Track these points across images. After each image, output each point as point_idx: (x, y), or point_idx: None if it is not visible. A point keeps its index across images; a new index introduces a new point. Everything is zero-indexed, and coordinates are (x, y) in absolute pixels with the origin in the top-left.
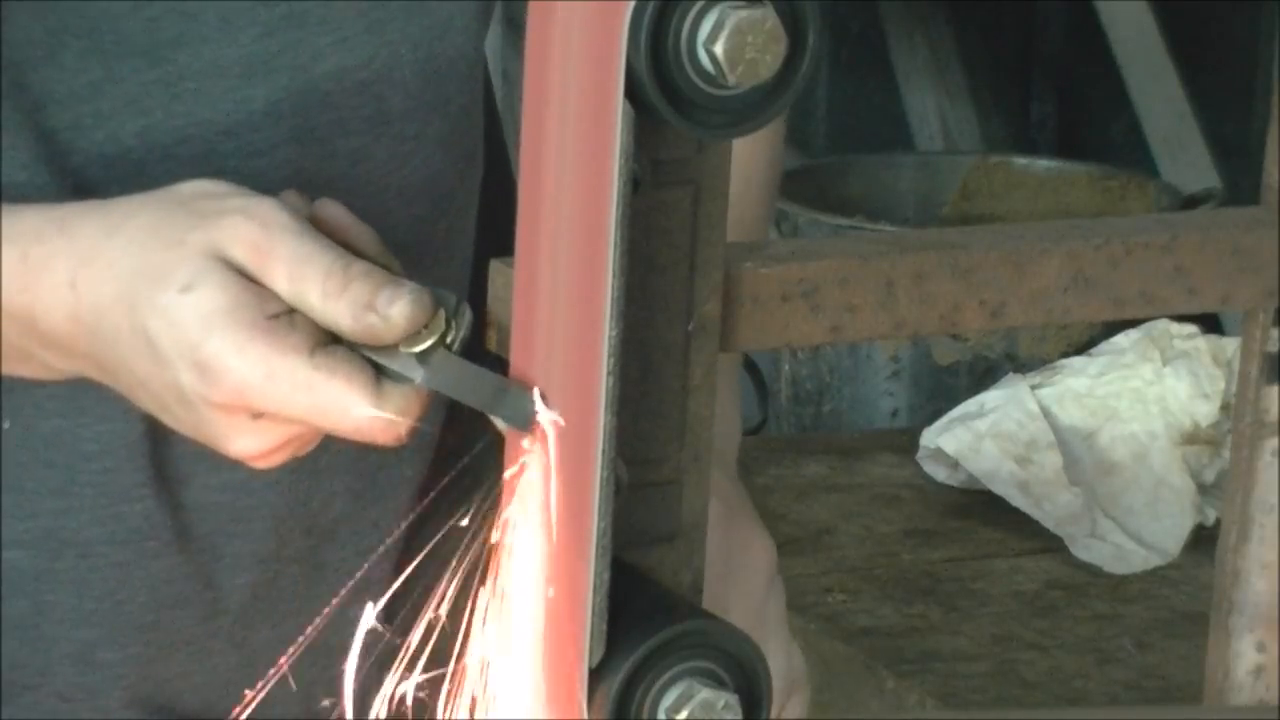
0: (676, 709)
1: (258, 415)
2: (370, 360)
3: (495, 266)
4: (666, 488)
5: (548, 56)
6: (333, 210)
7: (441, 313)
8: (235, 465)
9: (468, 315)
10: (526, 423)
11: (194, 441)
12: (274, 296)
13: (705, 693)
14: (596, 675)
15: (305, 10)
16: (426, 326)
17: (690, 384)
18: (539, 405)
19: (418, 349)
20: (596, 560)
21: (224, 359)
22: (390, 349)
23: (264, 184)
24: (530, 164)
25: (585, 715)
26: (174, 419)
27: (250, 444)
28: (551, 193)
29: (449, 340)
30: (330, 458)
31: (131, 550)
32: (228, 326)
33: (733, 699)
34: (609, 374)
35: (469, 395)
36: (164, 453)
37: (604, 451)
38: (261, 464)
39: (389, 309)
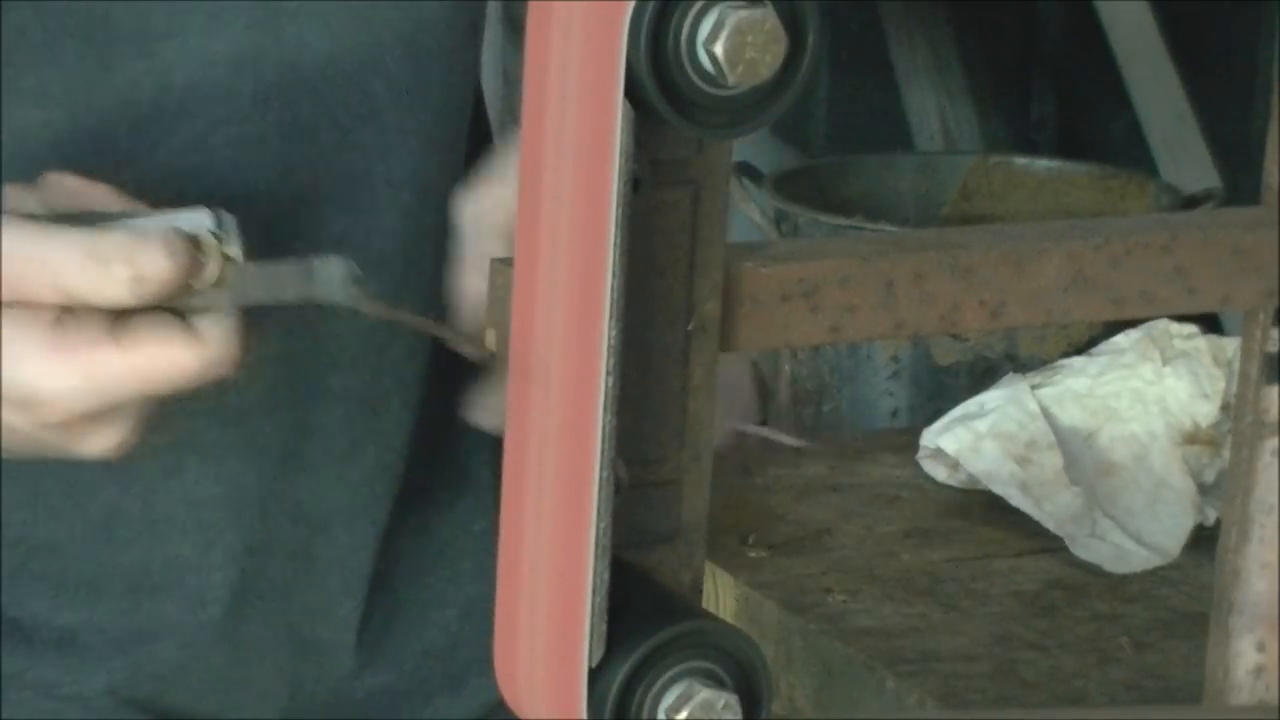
0: (676, 709)
1: (93, 417)
2: (175, 310)
3: (495, 266)
4: (666, 488)
5: (548, 56)
6: (59, 181)
7: (204, 235)
8: (206, 453)
9: (229, 219)
10: (346, 292)
11: (156, 430)
12: (45, 307)
13: (705, 693)
14: (596, 675)
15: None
16: (200, 252)
17: (690, 384)
18: (349, 269)
19: (208, 280)
20: (596, 560)
21: (36, 384)
22: (184, 294)
23: (254, 176)
24: (530, 164)
25: (585, 715)
26: (38, 451)
27: (102, 442)
28: (551, 193)
29: (229, 254)
30: (318, 444)
31: (101, 540)
32: (20, 355)
33: (733, 699)
34: (609, 374)
35: (281, 293)
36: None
37: (604, 451)
38: (122, 452)
39: (150, 269)
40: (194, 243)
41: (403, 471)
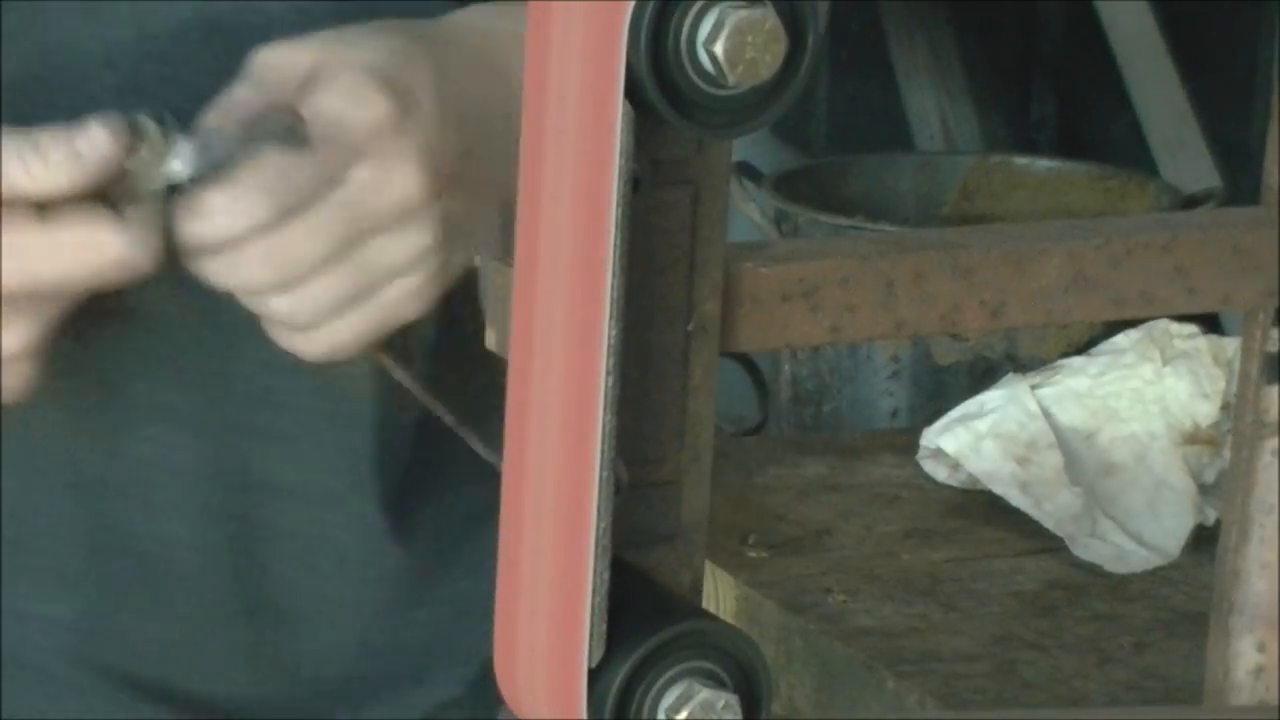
0: (676, 709)
1: (12, 301)
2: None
3: (495, 266)
4: (666, 488)
5: (548, 56)
6: None
7: (142, 119)
8: (160, 418)
9: (168, 118)
10: (299, 140)
11: (113, 391)
12: None
13: (705, 693)
14: (596, 675)
15: None
16: (137, 135)
17: (690, 384)
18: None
19: (144, 161)
20: (596, 560)
21: None
22: (124, 186)
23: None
24: (530, 164)
25: (585, 715)
26: None
27: (15, 338)
28: (551, 193)
29: (167, 137)
30: (289, 419)
31: (58, 502)
32: None
33: (733, 699)
34: (609, 374)
35: (224, 154)
36: (86, 403)
37: (604, 451)
38: (19, 367)
39: (87, 148)
40: (131, 125)
41: (400, 460)
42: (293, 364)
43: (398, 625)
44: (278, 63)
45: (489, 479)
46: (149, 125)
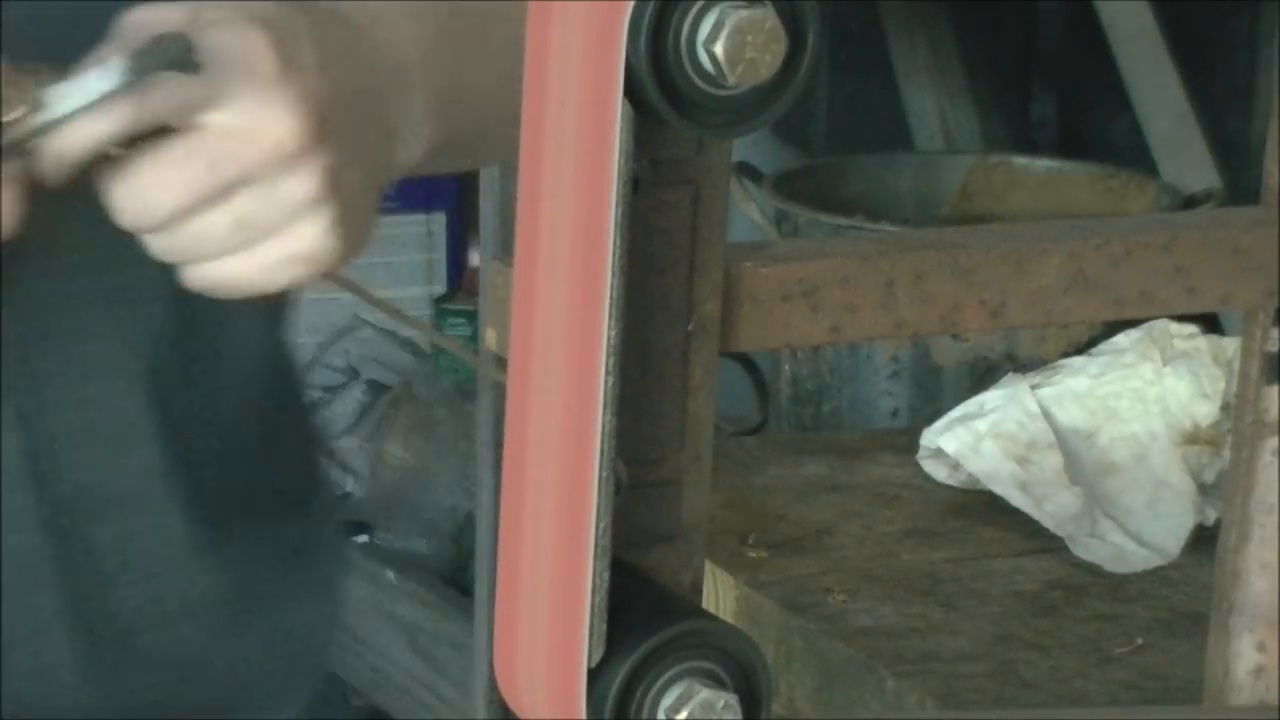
0: (676, 709)
1: None
2: None
3: (494, 266)
4: (666, 488)
5: (548, 56)
6: None
7: (19, 77)
8: None
9: (42, 68)
10: (190, 63)
11: None
12: None
13: (705, 693)
14: (596, 675)
15: None
16: (20, 101)
17: (690, 384)
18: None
19: (15, 108)
20: (595, 560)
21: None
22: None
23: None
24: (530, 164)
25: (585, 715)
26: None
27: None
28: (551, 193)
29: (42, 88)
30: (85, 425)
31: None
32: None
33: (732, 699)
34: (608, 374)
35: (124, 77)
36: None
37: (603, 451)
38: None
39: None
40: (9, 78)
41: (214, 480)
42: (103, 365)
43: (221, 649)
44: (148, 20)
45: (316, 511)
46: (22, 78)
